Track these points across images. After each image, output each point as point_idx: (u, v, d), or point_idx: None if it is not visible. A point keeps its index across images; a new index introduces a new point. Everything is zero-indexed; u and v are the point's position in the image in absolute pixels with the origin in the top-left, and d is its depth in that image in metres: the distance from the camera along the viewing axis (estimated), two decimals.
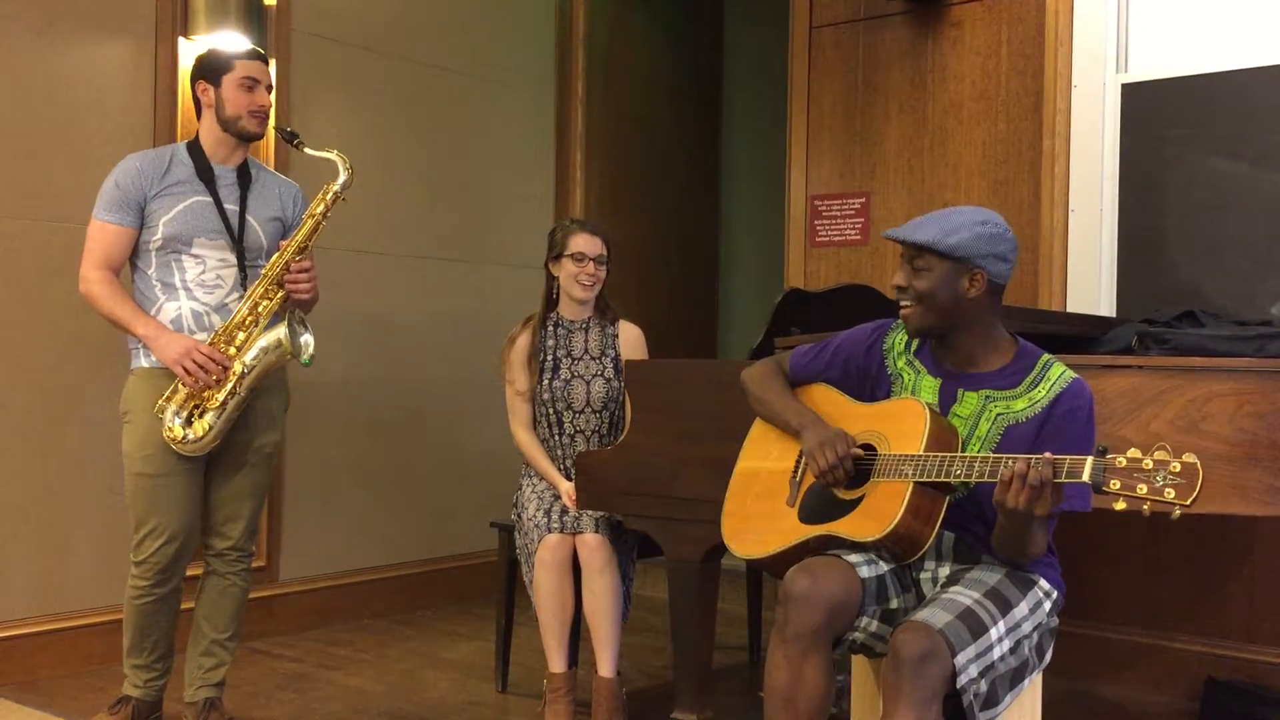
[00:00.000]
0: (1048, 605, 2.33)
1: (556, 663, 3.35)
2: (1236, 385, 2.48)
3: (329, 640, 4.33)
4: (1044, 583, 2.34)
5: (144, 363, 3.10)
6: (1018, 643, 2.23)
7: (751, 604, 4.16)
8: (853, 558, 2.29)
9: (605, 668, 3.29)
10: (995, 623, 2.18)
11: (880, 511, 2.25)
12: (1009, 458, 2.13)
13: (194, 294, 3.10)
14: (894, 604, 2.32)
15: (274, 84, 3.45)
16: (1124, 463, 1.99)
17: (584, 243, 3.54)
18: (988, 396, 2.35)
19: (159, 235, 3.07)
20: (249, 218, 3.17)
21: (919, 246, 2.34)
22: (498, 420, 3.71)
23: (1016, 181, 4.29)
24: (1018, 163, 4.30)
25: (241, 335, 3.07)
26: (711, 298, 6.27)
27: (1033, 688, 2.43)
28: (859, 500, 2.32)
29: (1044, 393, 2.31)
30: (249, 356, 3.06)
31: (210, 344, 3.05)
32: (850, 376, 2.53)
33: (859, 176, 4.69)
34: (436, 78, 4.88)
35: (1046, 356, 2.37)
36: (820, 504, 2.39)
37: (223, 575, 3.23)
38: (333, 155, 3.18)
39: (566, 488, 3.42)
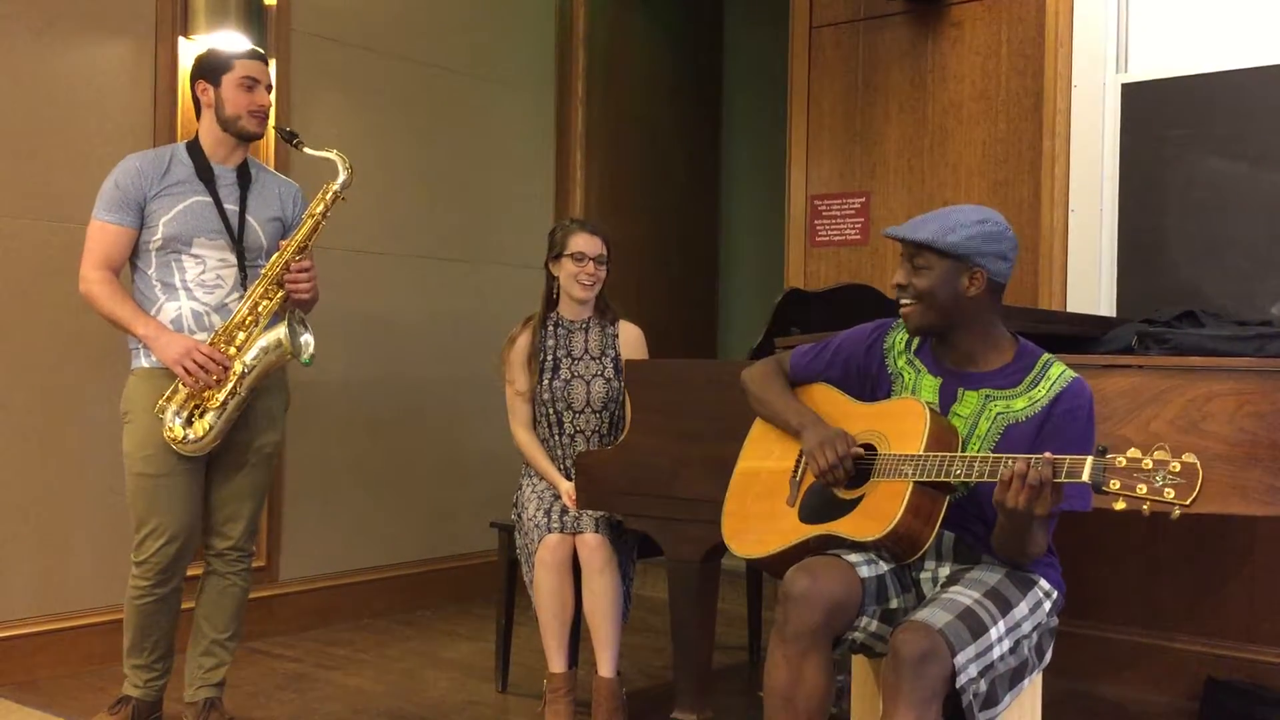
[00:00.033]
0: (1048, 605, 2.33)
1: (556, 663, 3.35)
2: (1236, 385, 2.48)
3: (329, 640, 4.33)
4: (1044, 583, 2.34)
5: (144, 363, 3.10)
6: (1017, 643, 2.23)
7: (751, 604, 4.16)
8: (853, 557, 2.29)
9: (605, 668, 3.29)
10: (995, 623, 2.18)
11: (880, 511, 2.25)
12: (1009, 458, 2.13)
13: (194, 294, 3.10)
14: (894, 604, 2.32)
15: (274, 84, 3.45)
16: (1124, 463, 1.99)
17: (584, 242, 3.54)
18: (988, 396, 2.35)
19: (159, 235, 3.07)
20: (249, 218, 3.17)
21: (919, 245, 2.34)
22: (498, 420, 3.71)
23: (1016, 181, 4.30)
24: (1018, 163, 4.30)
25: (241, 335, 3.07)
26: (711, 298, 6.27)
27: (1033, 688, 2.43)
28: (859, 500, 2.32)
29: (1044, 392, 2.31)
30: (249, 356, 3.06)
31: (210, 344, 3.05)
32: (850, 376, 2.53)
33: (859, 176, 4.69)
34: (436, 78, 4.88)
35: (1046, 356, 2.37)
36: (820, 504, 2.39)
37: (223, 575, 3.23)
38: (332, 155, 3.18)
39: (566, 488, 3.42)
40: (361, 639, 4.37)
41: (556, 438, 3.56)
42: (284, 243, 3.12)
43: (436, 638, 4.42)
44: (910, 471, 2.23)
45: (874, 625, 2.29)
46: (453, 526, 4.94)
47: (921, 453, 2.24)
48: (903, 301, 2.39)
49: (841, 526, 2.31)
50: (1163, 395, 2.49)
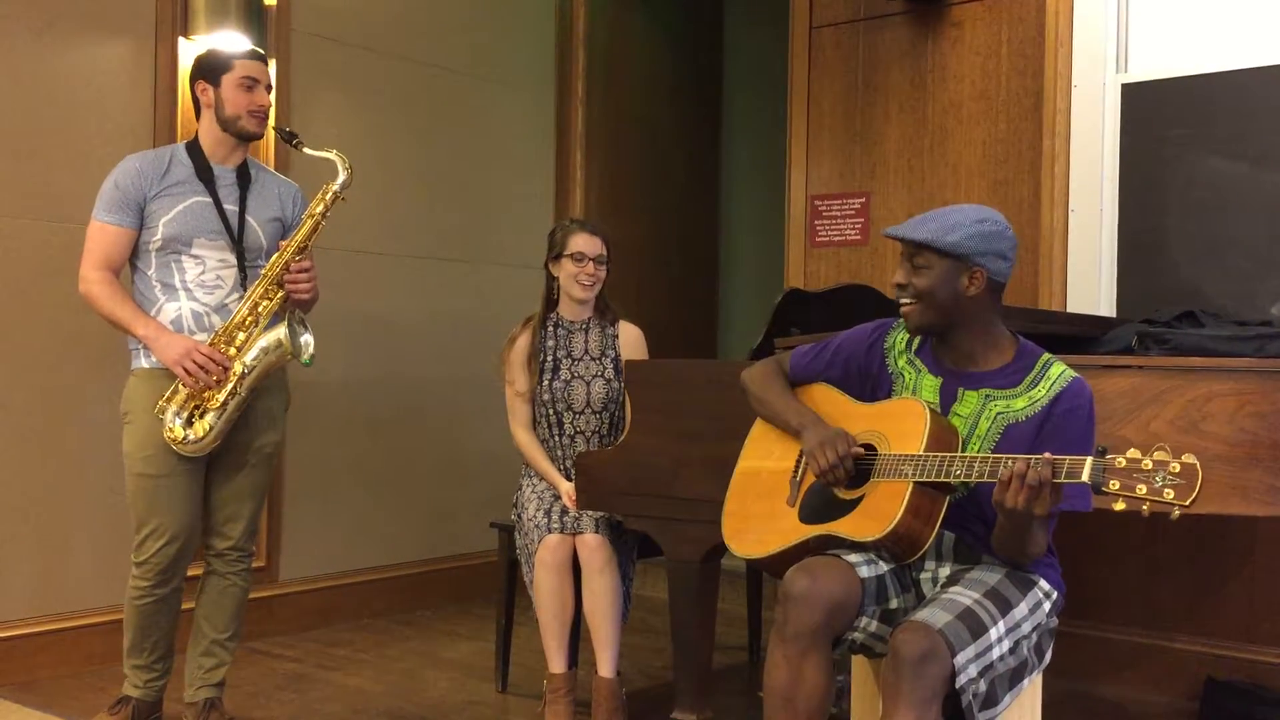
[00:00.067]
0: (1047, 606, 2.32)
1: (556, 663, 3.35)
2: (1236, 385, 2.47)
3: (329, 640, 4.33)
4: (1044, 583, 2.34)
5: (144, 363, 3.10)
6: (1017, 643, 2.23)
7: (751, 604, 4.16)
8: (852, 558, 2.29)
9: (605, 668, 3.29)
10: (995, 623, 2.18)
11: (880, 511, 2.26)
12: (1009, 458, 2.13)
13: (194, 294, 3.10)
14: (894, 604, 2.32)
15: (273, 84, 3.45)
16: (1123, 463, 1.99)
17: (583, 242, 3.54)
18: (988, 395, 2.35)
19: (159, 236, 3.07)
20: (248, 218, 3.17)
21: (918, 244, 2.34)
22: (498, 420, 3.71)
23: (1016, 181, 4.29)
24: (1018, 163, 4.30)
25: (242, 335, 3.07)
26: (711, 298, 6.27)
27: (1033, 688, 2.43)
28: (859, 500, 2.32)
29: (1044, 392, 2.31)
30: (249, 357, 3.06)
31: (210, 344, 3.05)
32: (851, 376, 2.53)
33: (859, 176, 4.69)
34: (436, 78, 4.88)
35: (1046, 356, 2.37)
36: (820, 504, 2.39)
37: (223, 575, 3.23)
38: (332, 155, 3.18)
39: (566, 488, 3.42)
40: (361, 639, 4.37)
41: (556, 438, 3.55)
42: (284, 243, 3.12)
43: (436, 638, 4.42)
44: (910, 472, 2.23)
45: (874, 625, 2.29)
46: (453, 526, 4.94)
47: (921, 453, 2.24)
48: (903, 301, 2.39)
49: (841, 526, 2.31)
50: (1163, 395, 2.49)
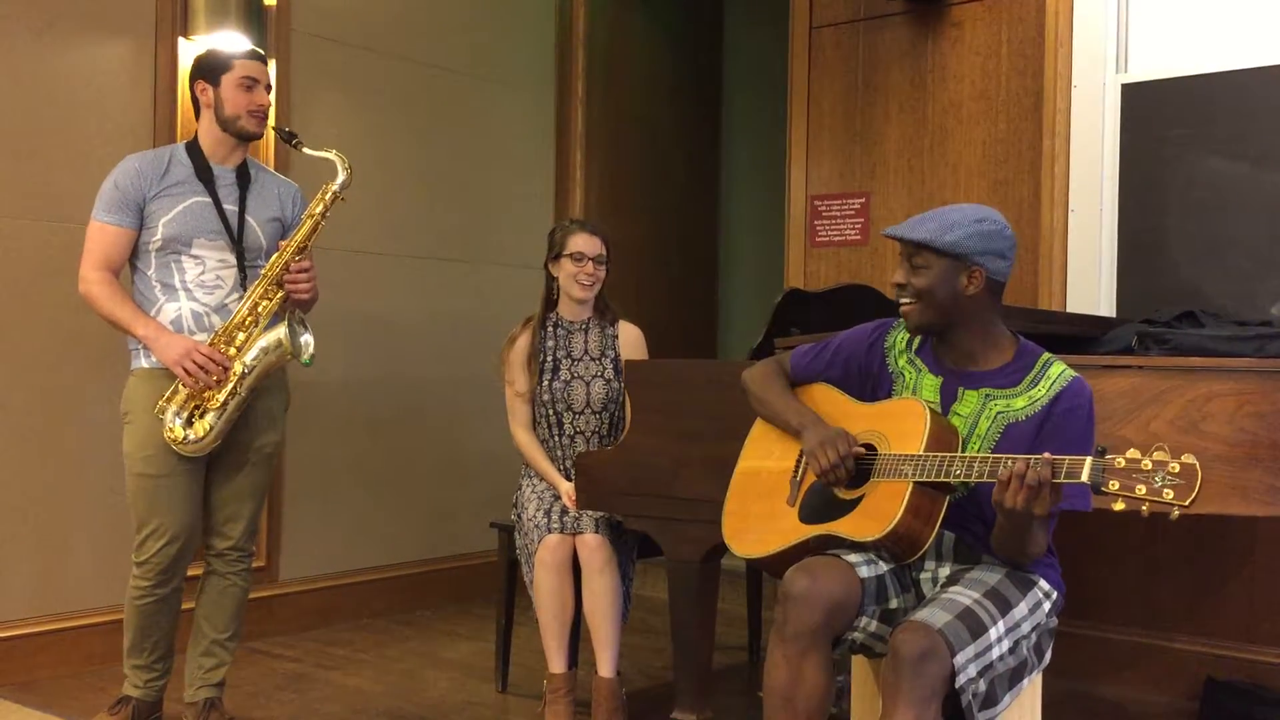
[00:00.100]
0: (1047, 606, 2.32)
1: (556, 663, 3.35)
2: (1236, 385, 2.47)
3: (329, 640, 4.33)
4: (1044, 583, 2.33)
5: (144, 363, 3.10)
6: (1016, 643, 2.23)
7: (751, 604, 4.16)
8: (852, 557, 2.29)
9: (605, 668, 3.29)
10: (994, 623, 2.18)
11: (880, 511, 2.26)
12: (1008, 458, 2.13)
13: (194, 295, 3.10)
14: (893, 604, 2.32)
15: (273, 84, 3.45)
16: (1123, 463, 1.99)
17: (583, 242, 3.54)
18: (988, 395, 2.35)
19: (158, 236, 3.07)
20: (248, 218, 3.17)
21: (917, 244, 2.34)
22: (498, 420, 3.71)
23: (1016, 181, 4.29)
24: (1018, 163, 4.30)
25: (241, 336, 3.07)
26: (711, 298, 6.27)
27: (1033, 688, 2.43)
28: (859, 500, 2.32)
29: (1044, 391, 2.31)
30: (249, 357, 3.06)
31: (210, 344, 3.05)
32: (851, 375, 2.53)
33: (859, 176, 4.68)
34: (436, 78, 4.88)
35: (1047, 355, 2.37)
36: (820, 503, 2.39)
37: (223, 575, 3.23)
38: (331, 155, 3.18)
39: (566, 488, 3.42)
40: (361, 639, 4.37)
41: (556, 438, 3.55)
42: (283, 243, 3.12)
43: (436, 638, 4.42)
44: (910, 471, 2.23)
45: (874, 625, 2.29)
46: (453, 526, 4.94)
47: (921, 453, 2.24)
48: (902, 301, 2.39)
49: (841, 526, 2.31)
50: (1162, 396, 2.49)
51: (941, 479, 2.20)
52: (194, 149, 3.16)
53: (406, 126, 4.79)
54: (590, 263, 3.53)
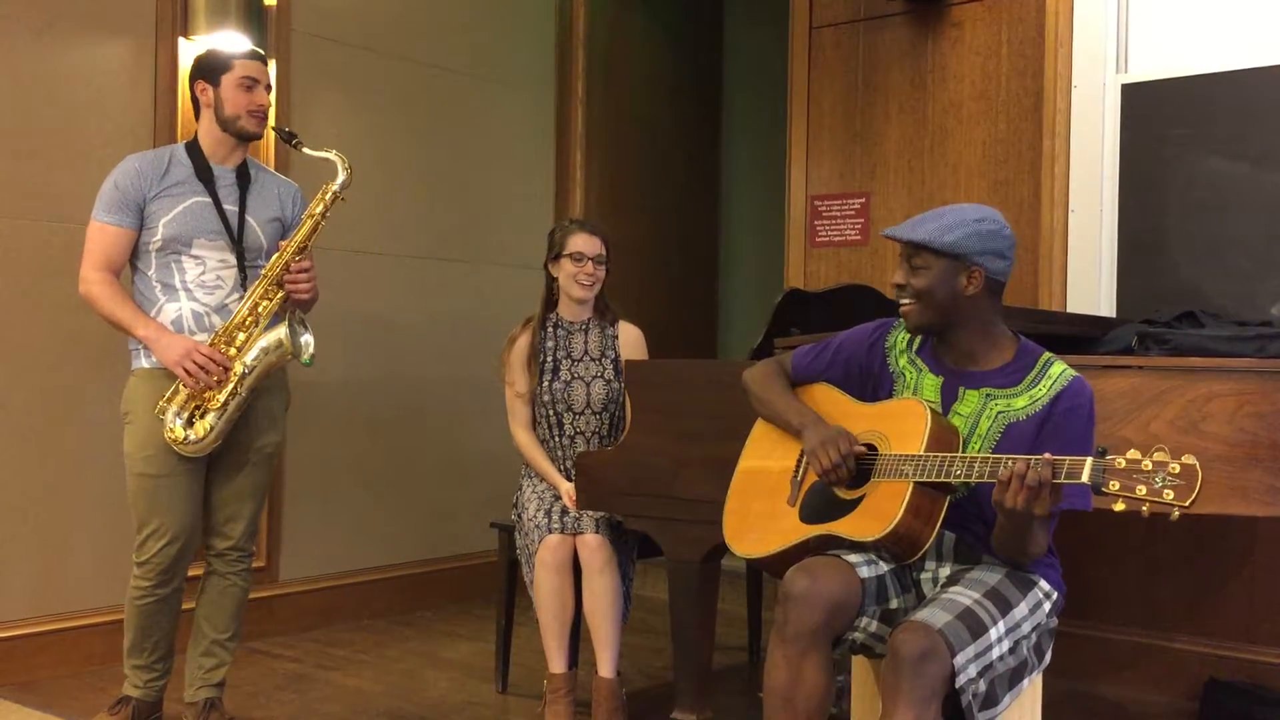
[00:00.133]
0: (1047, 606, 2.32)
1: (556, 663, 3.35)
2: (1236, 385, 2.47)
3: (329, 640, 4.33)
4: (1044, 583, 2.33)
5: (145, 363, 3.10)
6: (1016, 643, 2.23)
7: (751, 604, 4.16)
8: (852, 558, 2.29)
9: (605, 668, 3.29)
10: (995, 623, 2.18)
11: (880, 511, 2.26)
12: (1009, 458, 2.13)
13: (194, 295, 3.10)
14: (894, 604, 2.32)
15: (273, 84, 3.45)
16: (1123, 464, 1.99)
17: (582, 242, 3.54)
18: (988, 394, 2.35)
19: (159, 236, 3.07)
20: (248, 218, 3.17)
21: (916, 244, 2.34)
22: (498, 420, 3.71)
23: (1016, 181, 4.30)
24: (1018, 163, 4.30)
25: (242, 336, 3.07)
26: (711, 298, 6.27)
27: (1033, 688, 2.43)
28: (859, 500, 2.32)
29: (1044, 390, 2.31)
30: (249, 357, 3.06)
31: (211, 345, 3.05)
32: (852, 375, 2.54)
33: (859, 176, 4.68)
34: (436, 78, 4.88)
35: (1047, 355, 2.37)
36: (821, 503, 2.39)
37: (223, 575, 3.23)
38: (331, 155, 3.18)
39: (567, 488, 3.42)
40: (361, 639, 4.37)
41: (556, 439, 3.55)
42: (283, 243, 3.12)
43: (436, 638, 4.42)
44: (910, 472, 2.23)
45: (874, 625, 2.29)
46: (453, 527, 4.94)
47: (922, 453, 2.24)
48: (902, 301, 2.39)
49: (842, 526, 2.31)
50: (1163, 396, 2.49)
51: (942, 479, 2.20)
52: (194, 149, 3.16)
53: (406, 126, 4.79)
54: (590, 263, 3.53)
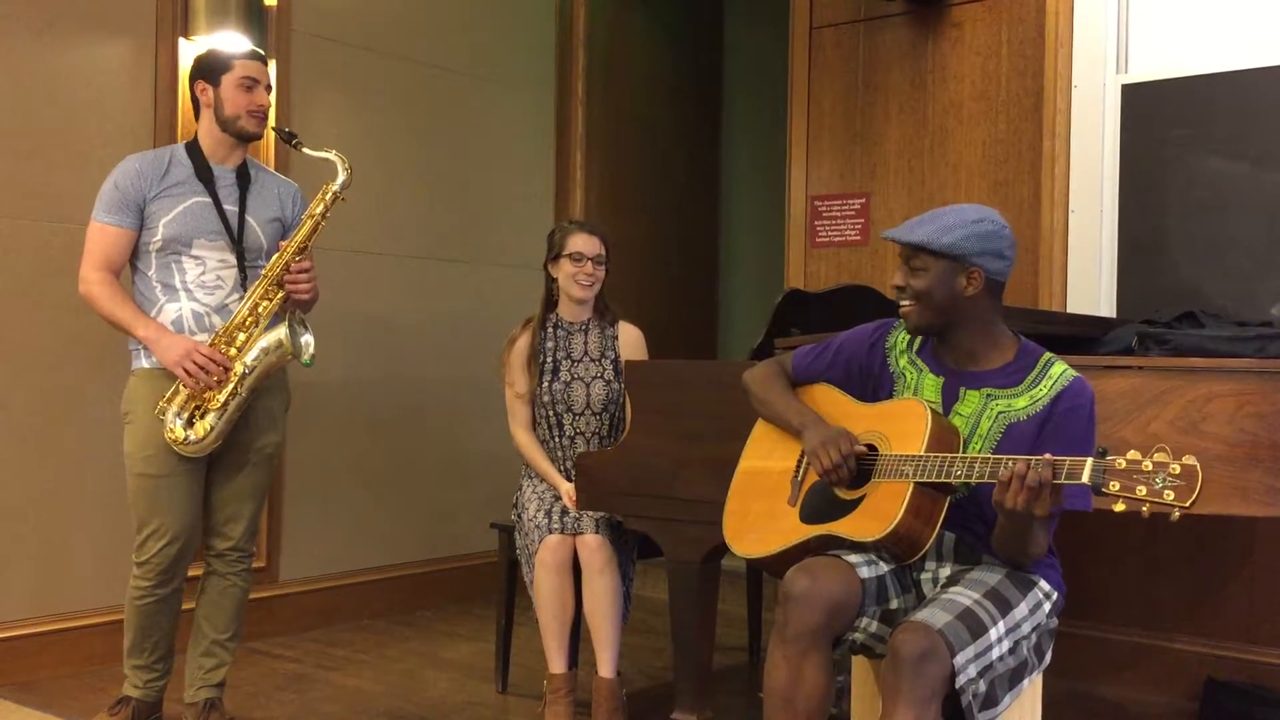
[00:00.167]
0: (1047, 606, 2.32)
1: (556, 663, 3.35)
2: (1237, 386, 2.47)
3: (329, 640, 4.33)
4: (1044, 584, 2.33)
5: (145, 364, 3.10)
6: (1016, 643, 2.23)
7: (751, 604, 4.16)
8: (853, 558, 2.29)
9: (605, 668, 3.29)
10: (995, 623, 2.18)
11: (881, 511, 2.26)
12: (1009, 459, 2.13)
13: (194, 295, 3.10)
14: (894, 604, 2.32)
15: (273, 84, 3.45)
16: (1123, 464, 1.99)
17: (582, 243, 3.54)
18: (989, 395, 2.35)
19: (159, 236, 3.07)
20: (248, 218, 3.17)
21: (915, 246, 2.34)
22: (498, 420, 3.71)
23: (1016, 182, 4.30)
24: (1018, 163, 4.30)
25: (242, 336, 3.07)
26: (711, 298, 6.27)
27: (1033, 688, 2.43)
28: (860, 500, 2.32)
29: (1045, 391, 2.31)
30: (250, 357, 3.06)
31: (211, 345, 3.05)
32: (852, 376, 2.54)
33: (859, 177, 4.68)
34: (436, 78, 4.88)
35: (1048, 355, 2.37)
36: (821, 504, 2.39)
37: (223, 575, 3.23)
38: (331, 155, 3.18)
39: (567, 488, 3.42)
40: (361, 639, 4.37)
41: (556, 439, 3.55)
42: (284, 243, 3.12)
43: (436, 638, 4.42)
44: (911, 472, 2.23)
45: (874, 626, 2.29)
46: (453, 527, 4.94)
47: (922, 453, 2.24)
48: (902, 302, 2.39)
49: (842, 527, 2.31)
50: (1163, 396, 2.49)
51: (942, 479, 2.20)
52: (194, 149, 3.16)
53: (406, 126, 4.79)
54: (589, 263, 3.53)
